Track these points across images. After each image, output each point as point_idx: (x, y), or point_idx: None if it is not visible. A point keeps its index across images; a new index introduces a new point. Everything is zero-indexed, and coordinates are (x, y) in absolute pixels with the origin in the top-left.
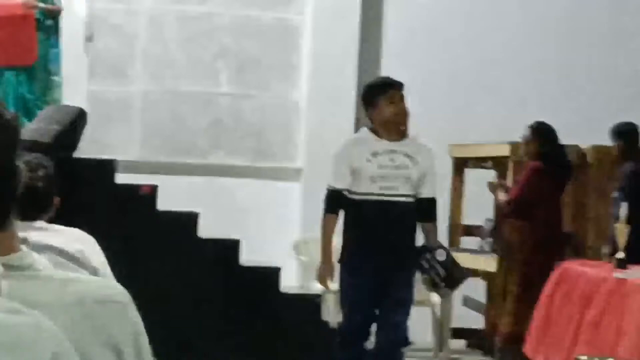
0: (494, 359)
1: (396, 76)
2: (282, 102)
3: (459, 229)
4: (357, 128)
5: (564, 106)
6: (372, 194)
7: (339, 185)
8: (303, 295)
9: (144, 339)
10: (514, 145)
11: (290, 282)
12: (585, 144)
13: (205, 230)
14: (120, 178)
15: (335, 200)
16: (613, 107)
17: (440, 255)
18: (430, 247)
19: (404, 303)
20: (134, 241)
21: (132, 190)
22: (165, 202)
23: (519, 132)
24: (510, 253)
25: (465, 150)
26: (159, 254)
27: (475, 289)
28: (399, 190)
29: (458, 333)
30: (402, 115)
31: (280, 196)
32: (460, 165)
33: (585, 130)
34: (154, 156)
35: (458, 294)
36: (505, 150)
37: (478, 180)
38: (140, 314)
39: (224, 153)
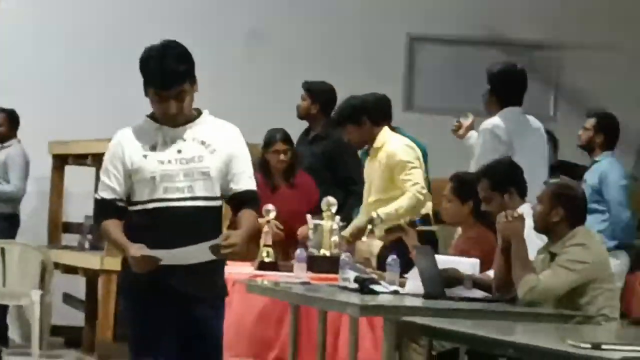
0: (94, 357)
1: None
2: None
3: (59, 226)
4: None
5: None
6: (155, 200)
7: (106, 194)
8: None
9: None
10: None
11: None
12: None
13: None
14: None
15: (105, 211)
16: None
17: None
18: None
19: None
20: None
21: None
22: None
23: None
24: None
25: (65, 147)
26: None
27: (77, 286)
28: (197, 192)
29: (57, 330)
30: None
31: None
32: (60, 162)
33: None
34: None
35: (58, 291)
36: (105, 147)
37: (79, 177)
38: None
39: None
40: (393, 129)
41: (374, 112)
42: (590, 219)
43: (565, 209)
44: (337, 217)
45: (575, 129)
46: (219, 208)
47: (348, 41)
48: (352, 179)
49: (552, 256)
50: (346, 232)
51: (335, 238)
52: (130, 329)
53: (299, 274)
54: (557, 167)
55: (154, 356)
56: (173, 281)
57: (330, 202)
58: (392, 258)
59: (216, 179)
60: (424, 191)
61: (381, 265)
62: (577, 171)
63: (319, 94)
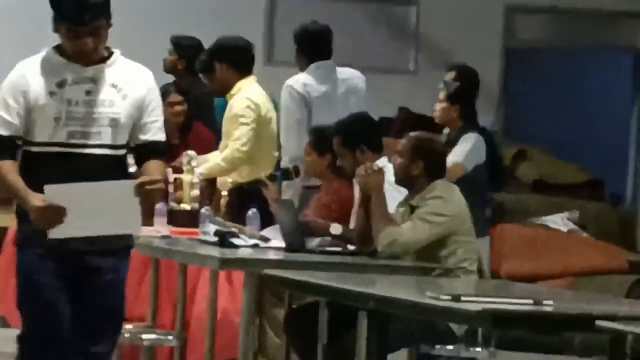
0: None
1: None
2: None
3: None
4: None
5: None
6: (56, 143)
7: (3, 131)
8: None
9: None
10: None
11: None
12: None
13: None
14: None
15: (1, 150)
16: None
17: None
18: None
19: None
20: None
21: None
22: None
23: None
24: None
25: None
26: None
27: None
28: (103, 138)
29: None
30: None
31: None
32: None
33: None
34: None
35: None
36: None
37: None
38: None
39: None
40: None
41: (231, 56)
42: None
43: (425, 162)
44: (198, 171)
45: (436, 83)
46: (124, 157)
47: None
48: None
49: (412, 209)
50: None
51: (195, 192)
52: (22, 292)
53: (159, 228)
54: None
55: (51, 322)
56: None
57: (190, 156)
58: (252, 212)
59: (125, 127)
60: (244, 148)
61: (232, 215)
62: (435, 125)
63: (185, 49)
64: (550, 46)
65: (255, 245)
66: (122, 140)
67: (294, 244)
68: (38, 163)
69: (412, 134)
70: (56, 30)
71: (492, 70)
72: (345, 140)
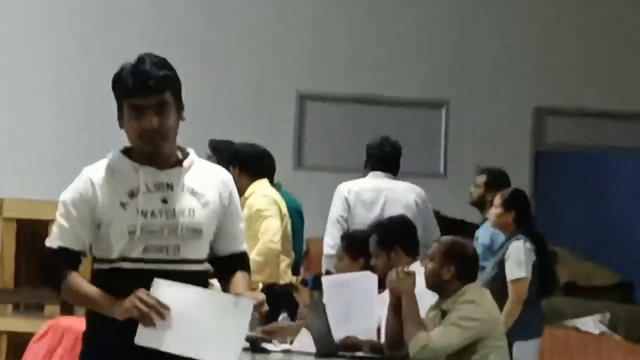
0: None
1: None
2: None
3: None
4: None
5: None
6: (131, 259)
7: (62, 244)
8: None
9: None
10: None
11: None
12: None
13: None
14: None
15: (66, 263)
16: None
17: None
18: None
19: None
20: None
21: None
22: None
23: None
24: None
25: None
26: None
27: None
28: (183, 254)
29: None
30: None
31: None
32: None
33: None
34: None
35: None
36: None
37: None
38: None
39: None
40: (274, 185)
41: (246, 162)
42: (481, 276)
43: (457, 266)
44: None
45: (466, 186)
46: (206, 273)
47: (238, 97)
48: None
49: (444, 313)
50: None
51: None
52: None
53: None
54: (447, 224)
55: None
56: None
57: None
58: (283, 316)
59: (207, 239)
60: (276, 238)
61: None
62: (466, 228)
63: (222, 152)
64: (579, 148)
65: (286, 351)
66: (205, 253)
67: (325, 349)
68: (110, 283)
69: (443, 238)
70: (120, 120)
71: (521, 173)
72: (381, 240)
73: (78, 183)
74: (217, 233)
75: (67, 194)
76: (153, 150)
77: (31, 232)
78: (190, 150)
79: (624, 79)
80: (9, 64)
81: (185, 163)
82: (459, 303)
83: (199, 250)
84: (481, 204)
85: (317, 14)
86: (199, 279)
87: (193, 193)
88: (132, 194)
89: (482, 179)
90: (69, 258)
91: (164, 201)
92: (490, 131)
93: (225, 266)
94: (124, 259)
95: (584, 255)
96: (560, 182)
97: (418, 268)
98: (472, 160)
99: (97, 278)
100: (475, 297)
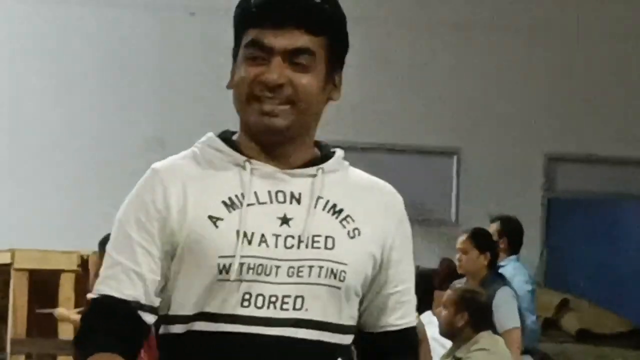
0: None
1: None
2: None
3: None
4: None
5: None
6: (222, 316)
7: (115, 292)
8: None
9: None
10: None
11: None
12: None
13: None
14: None
15: (104, 324)
16: None
17: None
18: None
19: None
20: None
21: None
22: None
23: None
24: None
25: None
26: None
27: None
28: (310, 311)
29: None
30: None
31: None
32: None
33: None
34: None
35: None
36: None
37: None
38: None
39: None
40: None
41: None
42: None
43: (470, 314)
44: None
45: None
46: (348, 349)
47: None
48: None
49: None
50: None
51: None
52: None
53: None
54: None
55: None
56: None
57: None
58: None
59: (354, 292)
60: None
61: None
62: None
63: None
64: (590, 195)
65: None
66: (348, 316)
67: None
68: (184, 355)
69: (457, 285)
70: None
71: (533, 220)
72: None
73: (140, 190)
74: (373, 287)
75: (124, 212)
76: (272, 128)
77: (43, 282)
78: (338, 150)
79: (633, 125)
80: (22, 118)
81: (327, 165)
82: (472, 351)
83: (339, 309)
84: None
85: None
86: (335, 357)
87: (335, 212)
88: (232, 204)
89: (494, 226)
90: (113, 314)
91: (284, 221)
92: (501, 179)
93: (379, 346)
94: (209, 316)
95: (596, 302)
96: (571, 229)
97: (430, 317)
98: (484, 208)
99: (164, 346)
100: (489, 345)
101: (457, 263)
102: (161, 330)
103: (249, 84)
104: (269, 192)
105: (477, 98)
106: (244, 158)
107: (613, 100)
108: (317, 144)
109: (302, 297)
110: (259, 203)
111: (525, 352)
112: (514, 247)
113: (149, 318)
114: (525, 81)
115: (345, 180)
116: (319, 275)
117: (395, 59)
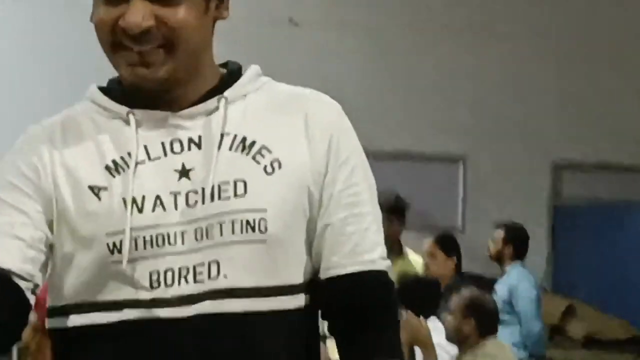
0: None
1: None
2: None
3: None
4: None
5: None
6: (118, 304)
7: None
8: None
9: None
10: None
11: None
12: None
13: None
14: None
15: None
16: None
17: None
18: None
19: None
20: None
21: None
22: None
23: None
24: None
25: None
26: None
27: None
28: (230, 277)
29: None
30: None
31: None
32: None
33: None
34: None
35: None
36: None
37: None
38: None
39: None
40: None
41: None
42: (501, 330)
43: (477, 320)
44: None
45: (484, 240)
46: (299, 314)
47: None
48: None
49: None
50: None
51: None
52: None
53: None
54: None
55: None
56: None
57: None
58: None
59: (288, 239)
60: None
61: None
62: (483, 283)
63: None
64: (596, 202)
65: None
66: (290, 272)
67: None
68: (83, 354)
69: (463, 291)
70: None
71: (539, 227)
72: (403, 301)
73: (16, 151)
74: (310, 228)
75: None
76: (147, 80)
77: None
78: (252, 67)
79: None
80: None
81: (232, 92)
82: (479, 357)
83: (275, 267)
84: (499, 259)
85: (334, 70)
86: (278, 329)
87: (244, 146)
88: (116, 167)
89: (500, 234)
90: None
91: (183, 173)
92: (508, 186)
93: (327, 302)
94: (94, 305)
95: (603, 308)
96: (578, 236)
97: (435, 323)
98: (490, 215)
99: (57, 349)
100: (495, 351)
101: (424, 267)
102: (52, 325)
103: (109, 30)
104: (162, 143)
105: (484, 105)
106: (127, 110)
107: (620, 107)
108: (225, 65)
109: (217, 261)
110: (151, 159)
111: (531, 358)
112: (519, 254)
113: (27, 291)
114: (531, 89)
115: (258, 103)
116: (233, 232)
117: (402, 65)
